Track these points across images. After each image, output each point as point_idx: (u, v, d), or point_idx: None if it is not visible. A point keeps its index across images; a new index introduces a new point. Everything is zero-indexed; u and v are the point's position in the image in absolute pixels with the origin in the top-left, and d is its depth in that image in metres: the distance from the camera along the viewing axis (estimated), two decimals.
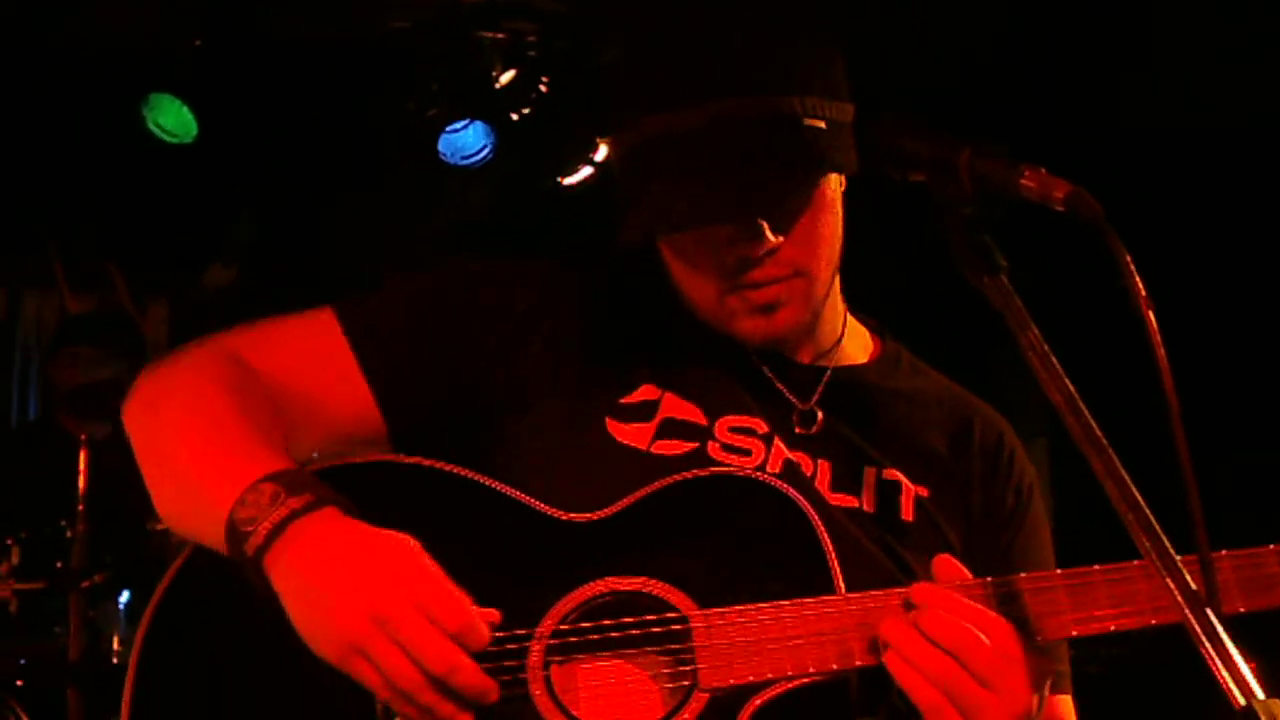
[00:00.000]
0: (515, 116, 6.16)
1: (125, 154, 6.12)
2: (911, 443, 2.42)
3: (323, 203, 6.64)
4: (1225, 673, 1.60)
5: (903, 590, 2.10)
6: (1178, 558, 1.71)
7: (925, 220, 2.37)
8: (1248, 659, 1.60)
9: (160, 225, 6.63)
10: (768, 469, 2.27)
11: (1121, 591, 2.09)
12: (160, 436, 2.22)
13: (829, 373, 2.43)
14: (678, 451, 2.27)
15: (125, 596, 5.67)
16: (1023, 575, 2.11)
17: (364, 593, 1.93)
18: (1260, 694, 1.57)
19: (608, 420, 2.28)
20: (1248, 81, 5.40)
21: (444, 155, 6.22)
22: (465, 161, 6.23)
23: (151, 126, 5.97)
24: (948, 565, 2.12)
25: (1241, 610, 2.11)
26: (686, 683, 2.06)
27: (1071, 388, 1.85)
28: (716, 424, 2.31)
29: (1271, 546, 2.15)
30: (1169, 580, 1.68)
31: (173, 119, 5.97)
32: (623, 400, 2.30)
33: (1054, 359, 1.88)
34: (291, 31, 5.88)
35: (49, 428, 6.21)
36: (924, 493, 2.37)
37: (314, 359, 2.28)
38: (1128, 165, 5.35)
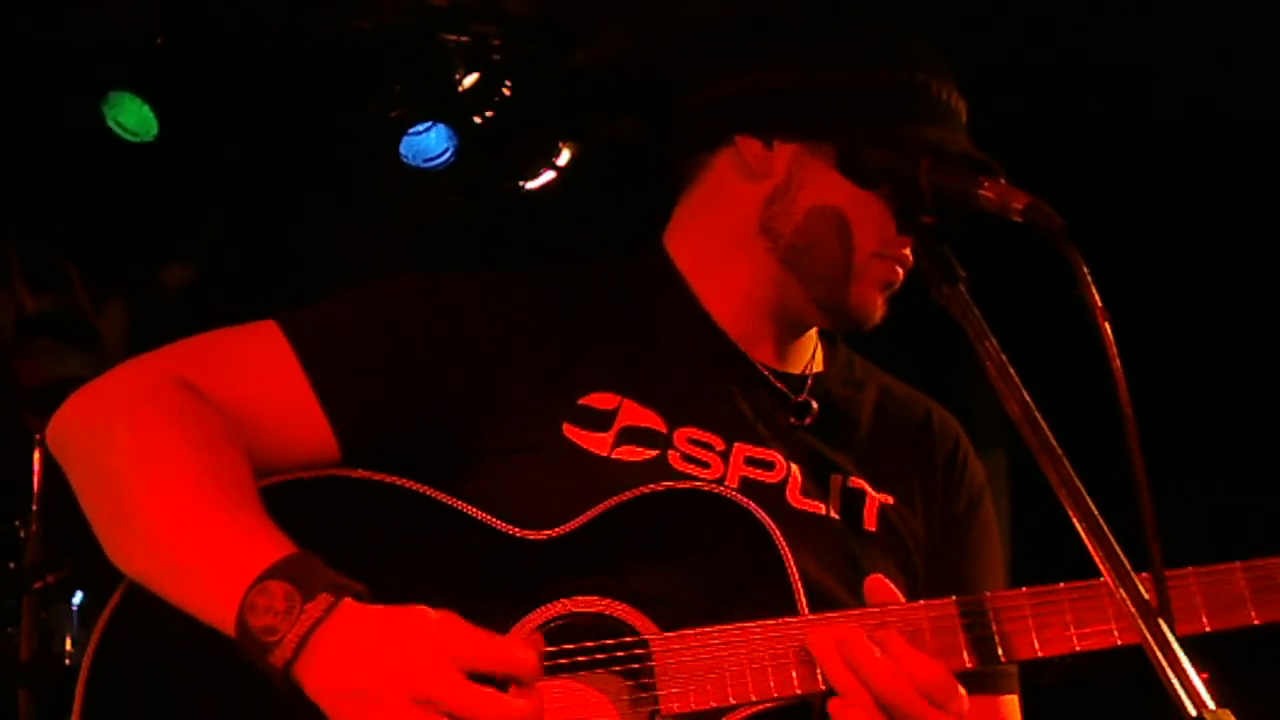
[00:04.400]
0: (478, 120, 6.14)
1: (85, 152, 6.07)
2: (875, 450, 2.45)
3: (284, 203, 6.60)
4: (1177, 683, 1.60)
5: (865, 610, 2.10)
6: (1132, 570, 1.72)
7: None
8: (1199, 670, 1.61)
9: (119, 224, 6.58)
10: (725, 484, 2.26)
11: (1088, 610, 2.09)
12: (117, 481, 2.11)
13: (811, 378, 2.46)
14: (639, 458, 2.25)
15: (79, 598, 5.62)
16: (989, 594, 2.12)
17: (398, 678, 1.89)
18: (1211, 705, 1.58)
19: (565, 425, 2.26)
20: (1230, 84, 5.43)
21: (406, 158, 6.20)
22: (427, 164, 6.20)
23: (112, 125, 5.92)
24: (880, 587, 2.12)
25: (1208, 629, 2.12)
26: (647, 708, 2.04)
27: (1028, 398, 1.86)
28: (675, 433, 2.29)
29: (1238, 564, 2.16)
30: (1121, 591, 1.69)
31: (133, 117, 5.92)
32: (581, 402, 2.27)
33: (1011, 369, 1.89)
34: (255, 32, 5.86)
35: (3, 425, 6.16)
36: (888, 500, 2.39)
37: (268, 386, 2.21)
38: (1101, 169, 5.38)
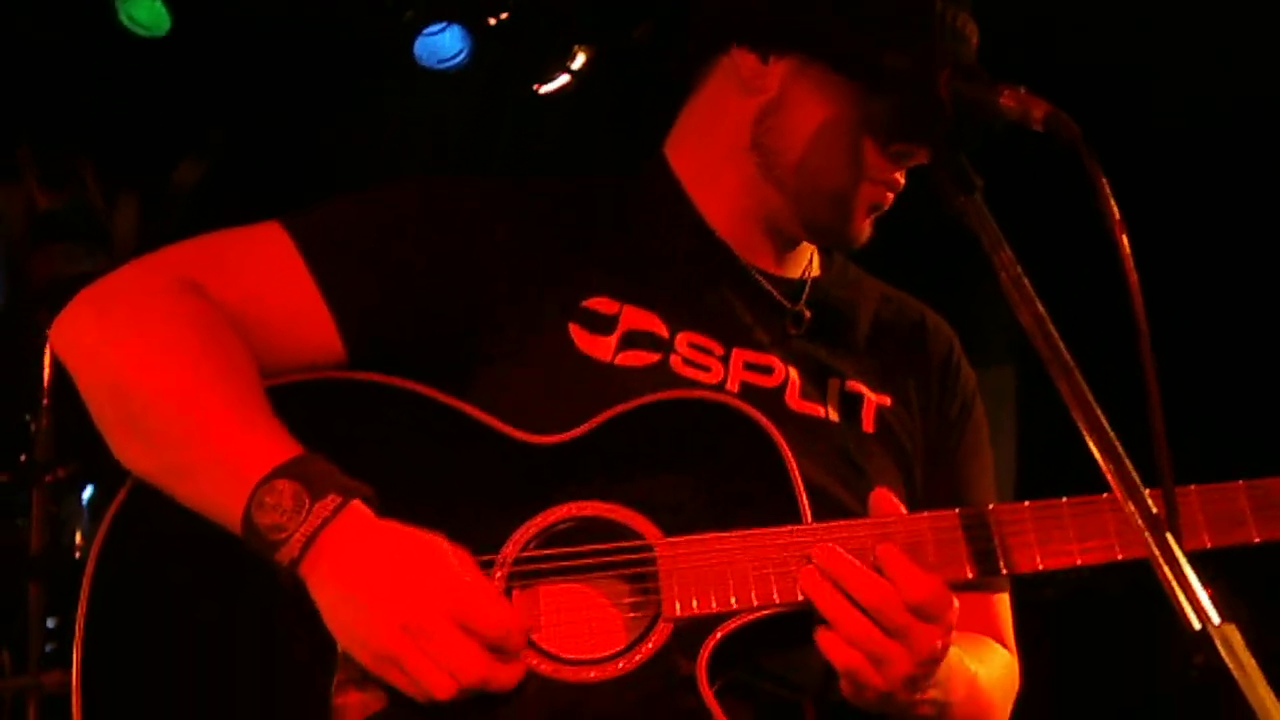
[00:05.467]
0: (493, 21, 6.09)
1: (97, 47, 6.04)
2: (872, 353, 2.46)
3: (297, 103, 6.57)
4: (1183, 597, 1.61)
5: (868, 520, 2.10)
6: (1140, 483, 1.72)
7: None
8: (1205, 584, 1.61)
9: (132, 121, 6.56)
10: (726, 388, 2.28)
11: (1089, 525, 2.09)
12: (124, 381, 2.11)
13: (809, 283, 2.46)
14: (642, 363, 2.26)
15: (88, 492, 5.67)
16: (992, 507, 2.12)
17: (397, 603, 1.91)
18: (1216, 619, 1.58)
19: (571, 326, 2.26)
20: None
21: (420, 59, 6.16)
22: (441, 66, 6.16)
23: (124, 20, 5.88)
24: (884, 499, 2.12)
25: (1209, 546, 2.12)
26: (650, 611, 2.05)
27: (1042, 310, 1.85)
28: (677, 337, 2.30)
29: (1240, 482, 2.16)
30: (1130, 504, 1.69)
31: (146, 13, 5.88)
32: (585, 304, 2.28)
33: (1026, 280, 1.87)
34: None
35: (15, 320, 6.17)
36: (886, 402, 2.42)
37: (274, 287, 2.21)
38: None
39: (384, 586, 1.92)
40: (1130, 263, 1.71)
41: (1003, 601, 2.46)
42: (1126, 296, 1.70)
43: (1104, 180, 1.73)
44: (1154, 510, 1.69)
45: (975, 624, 2.37)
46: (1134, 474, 1.71)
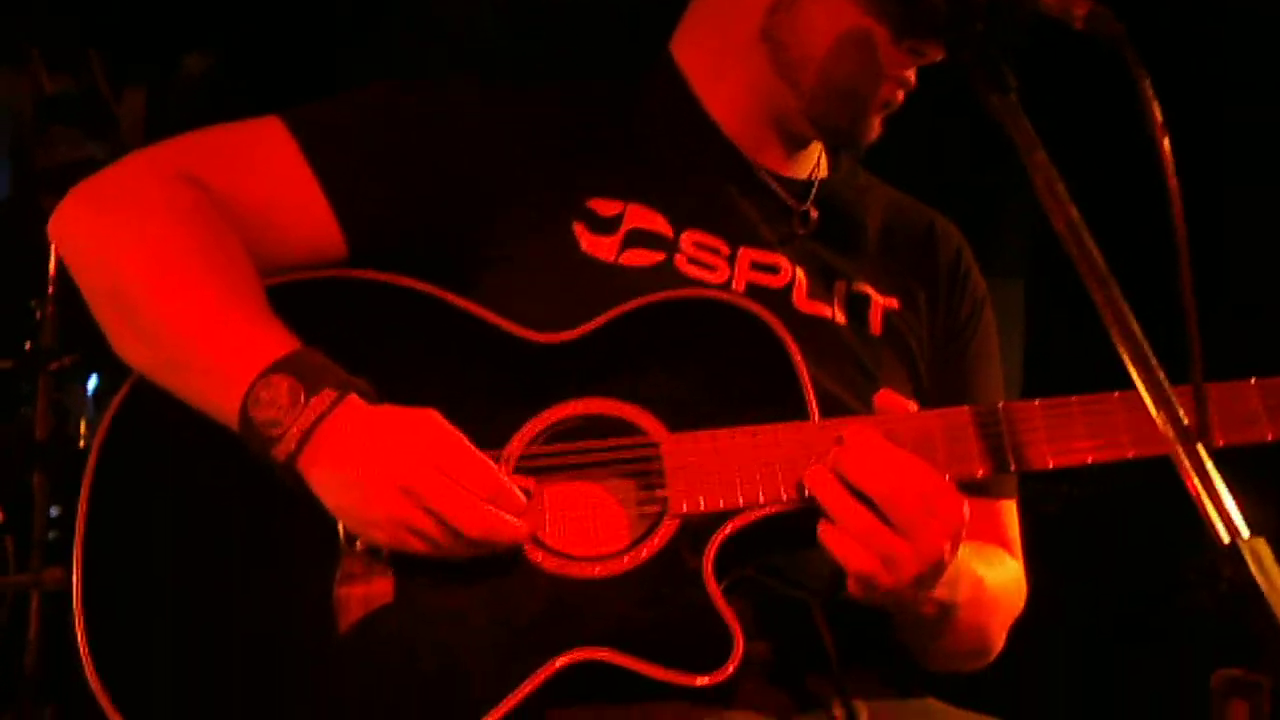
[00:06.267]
0: None
1: None
2: (880, 255, 2.45)
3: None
4: (1212, 509, 1.58)
5: (879, 418, 2.08)
6: (1172, 395, 1.69)
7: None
8: (1234, 496, 1.59)
9: (141, 9, 6.51)
10: (732, 287, 2.27)
11: (1100, 423, 2.07)
12: (122, 275, 2.11)
13: (817, 183, 2.44)
14: (645, 263, 2.25)
15: (93, 381, 5.66)
16: (1002, 404, 2.10)
17: (389, 468, 1.91)
18: (1245, 532, 1.55)
19: (575, 225, 2.24)
20: None
21: None
22: None
23: None
24: (890, 400, 2.10)
25: (1220, 445, 2.09)
26: (656, 508, 2.05)
27: (1076, 214, 1.81)
28: (681, 236, 2.28)
29: (1252, 380, 2.13)
30: (1162, 413, 1.66)
31: None
32: (588, 204, 2.26)
33: (1060, 185, 1.84)
34: None
35: (20, 206, 6.14)
36: (893, 305, 2.41)
37: (275, 184, 2.20)
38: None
39: (376, 458, 1.92)
40: (1171, 168, 1.67)
41: (1010, 509, 2.46)
42: (1166, 201, 1.67)
43: (1147, 82, 1.69)
44: (1185, 421, 1.66)
45: (982, 531, 2.36)
46: (1166, 385, 1.68)
